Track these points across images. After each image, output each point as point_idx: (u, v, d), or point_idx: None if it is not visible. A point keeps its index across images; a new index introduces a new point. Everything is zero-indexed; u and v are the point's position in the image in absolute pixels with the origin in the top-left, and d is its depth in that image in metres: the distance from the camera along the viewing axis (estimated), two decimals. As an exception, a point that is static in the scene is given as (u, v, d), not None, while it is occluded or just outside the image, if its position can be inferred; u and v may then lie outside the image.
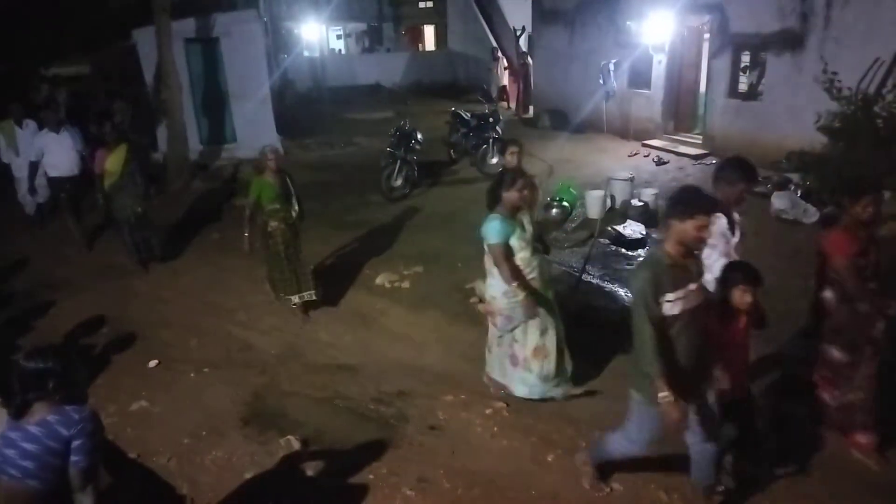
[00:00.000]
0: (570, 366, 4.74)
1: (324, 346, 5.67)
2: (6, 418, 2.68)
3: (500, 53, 19.79)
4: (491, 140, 11.03)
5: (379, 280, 6.88)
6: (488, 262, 4.54)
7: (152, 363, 5.26)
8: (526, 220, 4.52)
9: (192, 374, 5.08)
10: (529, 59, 17.74)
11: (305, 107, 19.59)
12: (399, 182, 9.94)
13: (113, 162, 6.91)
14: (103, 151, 7.00)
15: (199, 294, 6.73)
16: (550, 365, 4.56)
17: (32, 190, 8.01)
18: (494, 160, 11.06)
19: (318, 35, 27.18)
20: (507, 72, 19.52)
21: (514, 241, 4.38)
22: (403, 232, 8.42)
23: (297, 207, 6.11)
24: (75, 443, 2.52)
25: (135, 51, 11.93)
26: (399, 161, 9.91)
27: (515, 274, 4.33)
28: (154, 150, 11.62)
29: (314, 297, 6.12)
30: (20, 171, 8.21)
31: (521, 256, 4.41)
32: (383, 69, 25.46)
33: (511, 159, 5.41)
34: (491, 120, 11.25)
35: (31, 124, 8.30)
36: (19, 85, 14.81)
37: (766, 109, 10.60)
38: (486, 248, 4.51)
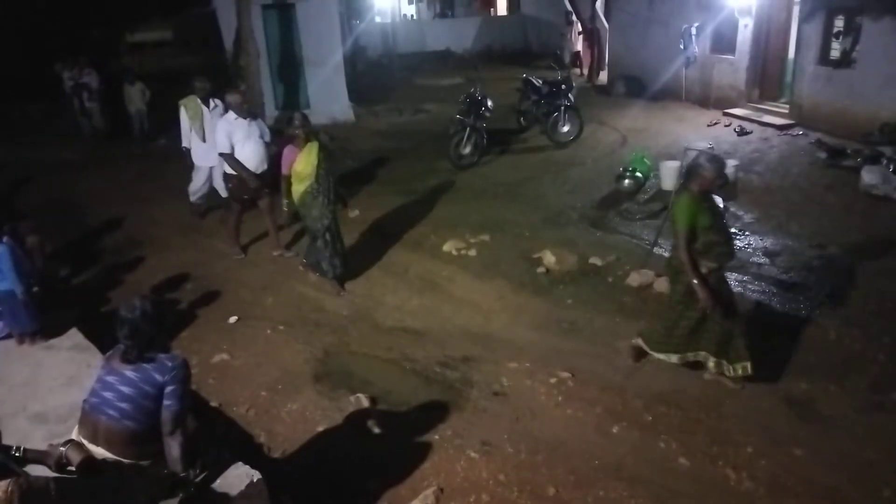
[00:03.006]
0: None
1: (391, 310, 5.80)
2: (101, 362, 2.91)
3: (574, 17, 19.24)
4: (563, 108, 10.82)
5: (446, 247, 6.95)
6: None
7: (232, 319, 5.53)
8: None
9: (269, 331, 5.33)
10: (605, 23, 17.20)
11: (376, 73, 19.71)
12: (468, 149, 9.92)
13: (304, 162, 5.75)
14: (292, 149, 5.81)
15: (272, 255, 6.98)
16: None
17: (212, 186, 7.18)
18: (566, 128, 10.88)
19: (389, 0, 27.12)
20: (581, 37, 18.99)
21: None
22: (471, 200, 8.45)
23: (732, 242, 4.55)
24: (168, 388, 2.73)
25: (214, 16, 12.26)
26: (468, 128, 9.87)
27: None
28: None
29: (749, 371, 4.32)
30: (202, 158, 7.29)
31: None
32: (454, 35, 25.19)
33: None
34: (563, 87, 11.02)
35: (219, 105, 7.17)
36: (107, 51, 15.55)
37: (860, 78, 9.95)
38: None
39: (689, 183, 4.34)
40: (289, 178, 5.84)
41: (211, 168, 7.30)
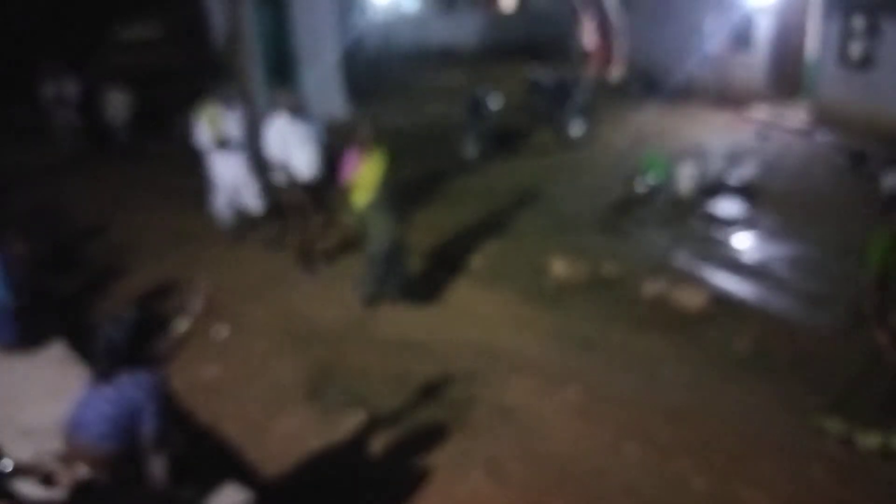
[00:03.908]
0: None
1: (389, 321, 5.78)
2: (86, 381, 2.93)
3: (584, 14, 19.30)
4: (572, 107, 10.85)
5: (450, 254, 6.96)
6: None
7: (224, 331, 5.54)
8: None
9: (261, 344, 5.34)
10: (617, 19, 17.25)
11: (376, 71, 19.78)
12: (473, 151, 9.95)
13: (368, 172, 5.42)
14: (355, 156, 5.50)
15: (263, 264, 7.00)
16: None
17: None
18: (575, 129, 10.90)
19: (390, -5, 27.24)
20: (591, 34, 19.04)
21: None
22: (475, 204, 8.45)
23: None
24: (147, 407, 2.74)
25: (206, 13, 12.32)
26: (473, 129, 9.91)
27: None
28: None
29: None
30: (222, 172, 6.92)
31: None
32: (458, 31, 25.25)
33: None
34: (572, 86, 11.06)
35: (241, 108, 6.98)
36: (96, 49, 15.59)
37: (881, 79, 9.98)
38: None
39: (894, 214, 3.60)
40: (350, 189, 5.49)
41: (234, 179, 6.95)
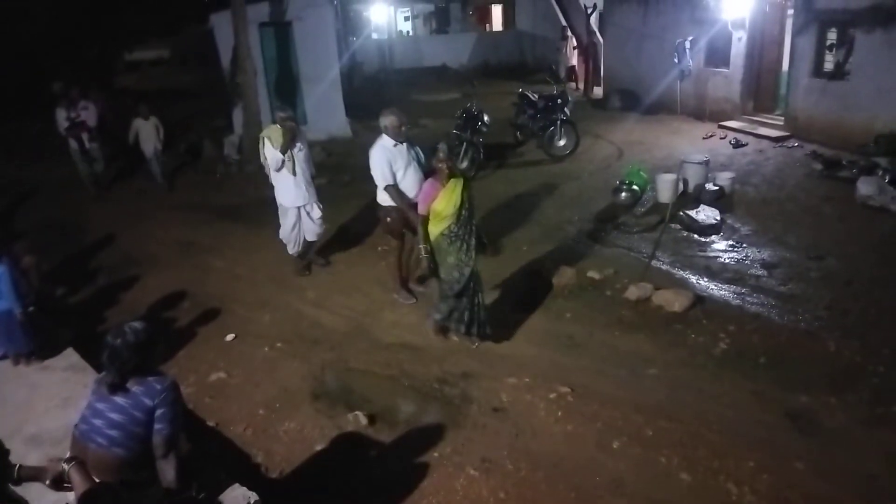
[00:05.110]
0: None
1: (389, 326, 5.78)
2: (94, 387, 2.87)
3: (569, 32, 19.38)
4: (559, 122, 10.86)
5: (444, 262, 6.93)
6: None
7: (229, 337, 5.51)
8: None
9: (266, 349, 5.30)
10: (600, 37, 17.32)
11: (373, 89, 19.80)
12: (464, 164, 9.92)
13: (446, 200, 4.90)
14: (433, 184, 4.98)
15: (270, 271, 6.97)
16: None
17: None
18: (562, 142, 10.91)
19: (386, 17, 27.38)
20: (576, 51, 19.12)
21: None
22: (469, 214, 8.43)
23: None
24: (158, 412, 2.67)
25: (212, 35, 12.32)
26: (465, 143, 9.90)
27: None
28: (230, 132, 12.02)
29: None
30: (292, 198, 6.38)
31: None
32: (450, 50, 25.37)
33: None
34: (559, 101, 11.07)
35: (303, 133, 6.60)
36: (105, 69, 15.56)
37: (854, 90, 10.01)
38: None
39: None
40: (426, 218, 5.01)
41: (299, 208, 6.46)
